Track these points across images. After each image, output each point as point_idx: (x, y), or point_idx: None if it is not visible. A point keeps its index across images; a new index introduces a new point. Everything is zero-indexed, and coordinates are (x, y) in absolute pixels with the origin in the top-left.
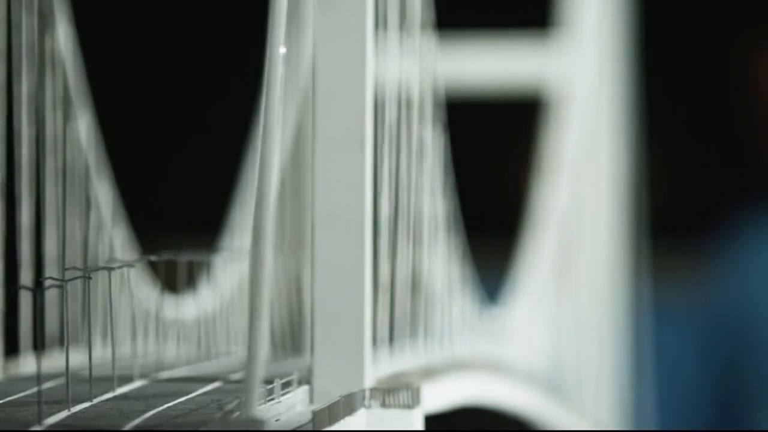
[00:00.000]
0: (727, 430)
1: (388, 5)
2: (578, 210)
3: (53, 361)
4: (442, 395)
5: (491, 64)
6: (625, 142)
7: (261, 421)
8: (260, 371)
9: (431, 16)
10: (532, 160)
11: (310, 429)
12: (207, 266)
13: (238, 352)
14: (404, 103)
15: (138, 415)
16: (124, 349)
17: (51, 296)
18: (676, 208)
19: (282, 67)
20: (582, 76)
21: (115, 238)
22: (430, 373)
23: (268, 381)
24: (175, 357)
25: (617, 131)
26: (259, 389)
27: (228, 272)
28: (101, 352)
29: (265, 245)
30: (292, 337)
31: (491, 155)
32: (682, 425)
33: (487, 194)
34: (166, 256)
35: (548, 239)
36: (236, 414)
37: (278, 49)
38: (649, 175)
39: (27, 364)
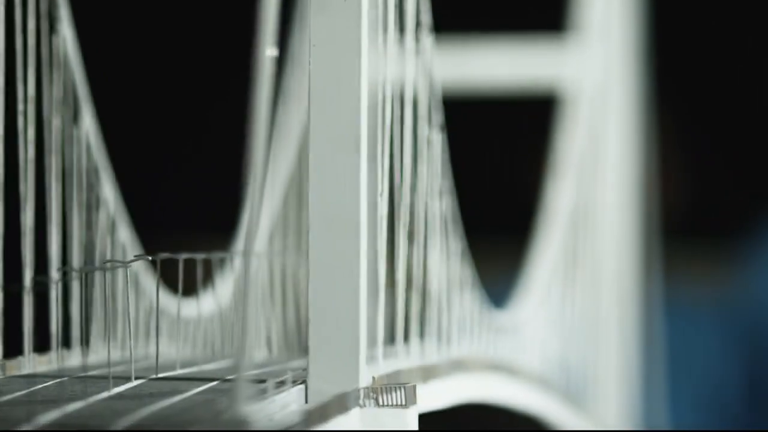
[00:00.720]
0: (743, 431)
1: (387, 6)
2: (590, 211)
3: (55, 361)
4: (439, 394)
5: (505, 65)
6: (638, 143)
7: (247, 421)
8: (249, 370)
9: (429, 16)
10: (544, 160)
11: (302, 428)
12: (205, 266)
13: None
14: (406, 103)
15: (130, 414)
16: (128, 350)
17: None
18: (690, 209)
19: (270, 70)
20: (593, 76)
21: (120, 238)
22: (428, 372)
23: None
24: (176, 357)
25: (629, 131)
26: (248, 389)
27: (230, 272)
28: (105, 353)
29: (255, 245)
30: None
31: (502, 155)
32: (695, 426)
33: (498, 194)
34: (163, 255)
35: (560, 240)
36: (225, 413)
37: (266, 51)
38: (662, 176)
39: (28, 363)
